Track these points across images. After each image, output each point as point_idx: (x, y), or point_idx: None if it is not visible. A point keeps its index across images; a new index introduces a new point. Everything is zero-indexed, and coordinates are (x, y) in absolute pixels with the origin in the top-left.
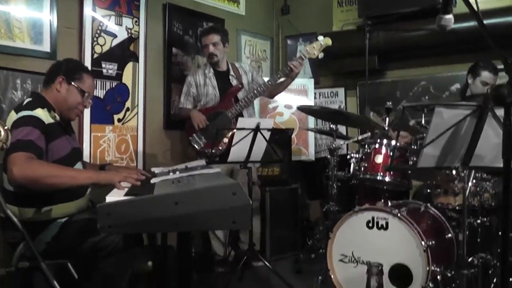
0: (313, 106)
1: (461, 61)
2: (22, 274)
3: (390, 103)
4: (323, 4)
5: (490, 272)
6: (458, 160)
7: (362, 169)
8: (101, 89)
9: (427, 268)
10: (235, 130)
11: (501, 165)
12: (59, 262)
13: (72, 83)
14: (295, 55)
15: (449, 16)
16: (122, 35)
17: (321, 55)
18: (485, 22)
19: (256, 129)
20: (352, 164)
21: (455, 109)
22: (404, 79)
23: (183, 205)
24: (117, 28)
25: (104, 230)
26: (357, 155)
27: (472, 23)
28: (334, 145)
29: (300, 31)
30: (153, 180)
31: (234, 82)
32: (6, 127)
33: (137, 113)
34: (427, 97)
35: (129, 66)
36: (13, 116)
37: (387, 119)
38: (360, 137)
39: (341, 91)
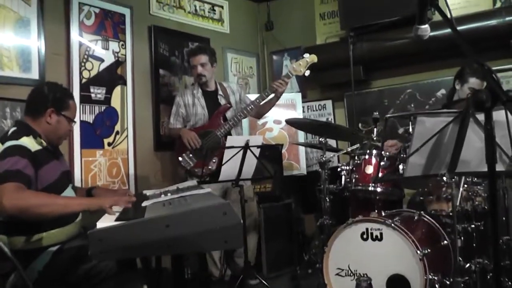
0: (300, 118)
1: (445, 66)
2: None
3: (377, 113)
4: (306, 18)
5: (488, 277)
6: (444, 167)
7: (353, 180)
8: (90, 113)
9: (425, 277)
10: (225, 149)
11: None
12: None
13: (62, 113)
14: (282, 70)
15: (425, 26)
16: (109, 59)
17: (307, 72)
18: (464, 27)
19: (246, 147)
20: (343, 176)
21: (437, 117)
22: (390, 88)
23: (174, 227)
24: (104, 52)
25: (95, 256)
26: (347, 167)
27: None
28: (324, 158)
29: (285, 46)
30: (144, 203)
31: (222, 101)
32: None
33: (127, 136)
34: (413, 105)
35: (117, 90)
36: None
37: (375, 129)
38: (349, 149)
39: (328, 103)
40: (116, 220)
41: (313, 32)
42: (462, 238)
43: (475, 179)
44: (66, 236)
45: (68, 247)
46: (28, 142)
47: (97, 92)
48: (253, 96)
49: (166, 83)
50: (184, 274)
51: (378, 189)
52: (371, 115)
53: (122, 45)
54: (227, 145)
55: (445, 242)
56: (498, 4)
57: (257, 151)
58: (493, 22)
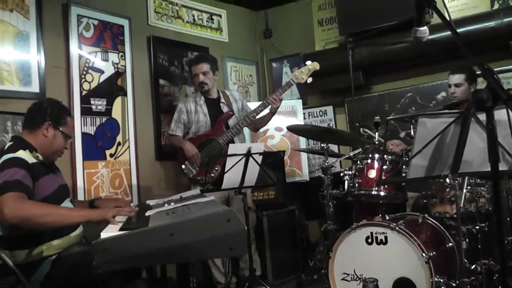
0: (302, 125)
1: (445, 69)
2: None
3: (378, 117)
4: (304, 25)
5: (494, 278)
6: (447, 168)
7: (357, 185)
8: (91, 125)
9: (431, 280)
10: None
11: (489, 169)
12: None
13: (59, 128)
14: (281, 77)
15: (424, 28)
16: (109, 70)
17: (309, 80)
18: (463, 29)
19: (248, 154)
20: (346, 181)
21: (439, 117)
22: (391, 92)
23: (178, 236)
24: (104, 64)
25: (100, 267)
26: (350, 172)
27: (450, 32)
28: (326, 164)
29: (283, 53)
30: (147, 213)
31: (225, 109)
32: None
33: (128, 146)
34: (414, 108)
35: (118, 101)
36: None
37: (377, 133)
38: (351, 153)
39: (329, 109)
40: (120, 229)
41: (311, 39)
42: (467, 239)
43: (478, 180)
44: (67, 245)
45: (67, 254)
46: (24, 155)
47: (98, 104)
48: (254, 105)
49: (166, 93)
50: (189, 283)
51: (382, 193)
52: (372, 120)
53: (122, 56)
54: (229, 153)
55: (450, 244)
56: (496, 6)
57: (259, 158)
58: (491, 23)
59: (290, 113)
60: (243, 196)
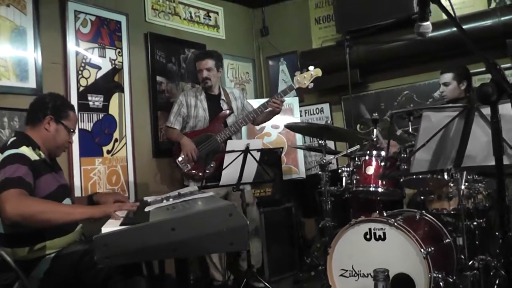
0: (300, 122)
1: (441, 67)
2: None
3: (376, 114)
4: (301, 23)
5: (491, 273)
6: (450, 162)
7: (355, 182)
8: (88, 121)
9: (429, 275)
10: (225, 154)
11: (493, 163)
12: None
13: (61, 122)
14: (278, 75)
15: (427, 23)
16: (106, 66)
17: (311, 85)
18: (453, 29)
19: (246, 151)
20: (344, 178)
21: (443, 111)
22: (387, 90)
23: (180, 230)
24: (101, 60)
25: (101, 261)
26: (348, 169)
27: (447, 30)
28: (324, 161)
29: (280, 51)
30: (147, 208)
31: (224, 106)
32: None
33: (125, 143)
34: (411, 105)
35: (115, 97)
36: None
37: (375, 130)
38: (349, 150)
39: (326, 106)
40: (121, 224)
41: (308, 37)
42: (465, 235)
43: (476, 176)
44: (67, 244)
45: (66, 252)
46: (27, 151)
47: (95, 100)
48: (253, 102)
49: (164, 90)
50: (188, 280)
51: (379, 189)
52: (369, 117)
53: (119, 52)
54: (227, 149)
55: (447, 240)
56: (493, 5)
57: (257, 155)
58: (488, 22)
59: (287, 110)
60: (241, 192)
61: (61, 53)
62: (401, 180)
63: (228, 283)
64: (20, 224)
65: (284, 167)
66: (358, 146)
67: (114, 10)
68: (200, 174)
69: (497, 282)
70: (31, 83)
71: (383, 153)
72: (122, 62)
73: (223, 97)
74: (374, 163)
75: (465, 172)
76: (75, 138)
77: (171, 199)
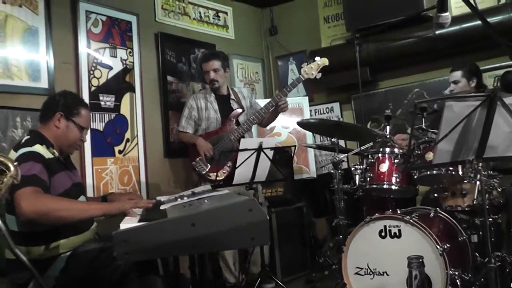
0: (311, 118)
1: (451, 65)
2: None
3: (389, 110)
4: (310, 22)
5: (507, 270)
6: (472, 152)
7: (368, 179)
8: (100, 121)
9: (446, 272)
10: (238, 152)
11: None
12: None
13: (72, 119)
14: (287, 75)
15: (446, 14)
16: (117, 66)
17: (319, 75)
18: (470, 24)
19: (259, 149)
20: (357, 176)
21: (465, 101)
22: (398, 88)
23: (200, 226)
24: (112, 60)
25: (121, 257)
26: (361, 166)
27: (457, 27)
28: (337, 158)
29: (289, 51)
30: (163, 206)
31: (235, 106)
32: (15, 163)
33: (137, 143)
34: None
35: (126, 97)
36: (12, 155)
37: (388, 127)
38: (362, 148)
39: (336, 105)
40: (139, 221)
41: (317, 36)
42: (480, 232)
43: (491, 172)
44: (82, 242)
45: (82, 250)
46: (41, 149)
47: (107, 100)
48: (262, 102)
49: (174, 89)
50: (206, 278)
51: (393, 187)
52: (380, 116)
53: (130, 52)
54: (240, 147)
55: (463, 238)
56: (503, 0)
57: (270, 154)
58: (498, 18)
59: (297, 110)
60: (254, 191)
61: (72, 53)
62: (415, 177)
63: (241, 284)
64: (35, 222)
65: (295, 167)
66: (371, 143)
67: (124, 10)
68: (219, 175)
69: None
70: (43, 83)
71: (396, 150)
72: (133, 62)
73: (232, 97)
74: (387, 160)
75: (481, 168)
76: (87, 138)
77: (185, 198)
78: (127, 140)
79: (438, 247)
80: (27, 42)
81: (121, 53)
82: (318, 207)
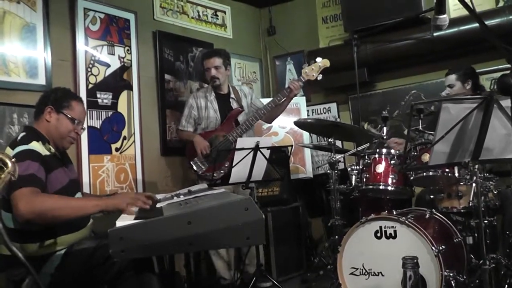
0: (308, 118)
1: (449, 67)
2: None
3: (386, 112)
4: (308, 23)
5: (502, 273)
6: (468, 154)
7: (364, 180)
8: (97, 119)
9: (440, 273)
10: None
11: (511, 156)
12: None
13: (62, 111)
14: (285, 75)
15: (444, 16)
16: (115, 64)
17: (319, 77)
18: (468, 27)
19: (256, 148)
20: (353, 177)
21: (462, 103)
22: (395, 89)
23: (196, 224)
24: (110, 58)
25: (116, 255)
26: (357, 167)
27: (455, 29)
28: (333, 159)
29: (287, 51)
30: (159, 204)
31: (234, 105)
32: (13, 159)
33: (134, 141)
34: None
35: (124, 95)
36: (9, 152)
37: (384, 128)
38: (359, 148)
39: (333, 106)
40: (135, 219)
41: (315, 36)
42: (476, 234)
43: (487, 174)
44: (78, 240)
45: (78, 247)
46: (38, 146)
47: (104, 97)
48: (263, 100)
49: (172, 88)
50: (200, 277)
51: (389, 188)
52: (377, 117)
53: (128, 50)
54: (237, 146)
55: (458, 239)
56: (501, 3)
57: (267, 153)
58: (496, 21)
59: (294, 110)
60: (251, 191)
61: (70, 50)
62: (411, 178)
63: (236, 283)
64: (33, 222)
65: (291, 167)
66: (367, 144)
67: (123, 8)
68: (215, 175)
69: (508, 281)
70: (41, 80)
71: (392, 151)
72: (130, 60)
73: (232, 95)
74: (383, 161)
75: (477, 170)
76: (84, 134)
77: (181, 196)
78: (124, 138)
79: (433, 248)
80: (25, 39)
81: (119, 51)
82: (314, 207)
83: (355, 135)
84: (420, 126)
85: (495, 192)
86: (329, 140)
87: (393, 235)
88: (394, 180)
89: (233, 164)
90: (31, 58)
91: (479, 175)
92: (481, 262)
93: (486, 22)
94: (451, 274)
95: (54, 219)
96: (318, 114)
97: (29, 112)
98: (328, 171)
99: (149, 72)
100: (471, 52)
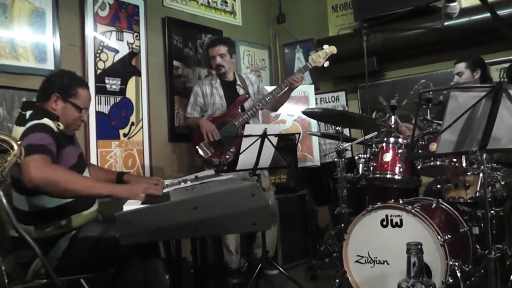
0: (316, 108)
1: (459, 57)
2: None
3: (395, 100)
4: (318, 11)
5: (508, 263)
6: (476, 143)
7: (371, 168)
8: (105, 104)
9: (446, 262)
10: (242, 138)
11: None
12: (73, 278)
13: (69, 100)
14: (294, 63)
15: (454, 4)
16: (123, 50)
17: (326, 64)
18: (480, 16)
19: (264, 135)
20: (360, 165)
21: (470, 91)
22: (404, 79)
23: (202, 209)
24: (119, 44)
25: (123, 239)
26: (364, 156)
27: (465, 19)
28: (341, 147)
29: (297, 39)
30: (165, 190)
31: (241, 91)
32: (19, 142)
33: (142, 127)
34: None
35: (132, 81)
36: (18, 130)
37: (393, 117)
38: (367, 137)
39: (342, 95)
40: (142, 203)
41: (325, 24)
42: (482, 224)
43: (495, 165)
44: (85, 220)
45: (85, 231)
46: (50, 122)
47: (112, 83)
48: (270, 88)
49: (180, 74)
50: (207, 263)
51: (396, 177)
52: (387, 105)
53: (136, 36)
54: (245, 133)
55: (464, 229)
56: None
57: (274, 140)
58: (508, 11)
59: (302, 98)
60: (258, 178)
61: (79, 36)
62: (418, 167)
63: (242, 269)
64: (41, 189)
65: (299, 155)
66: (375, 133)
67: None
68: (221, 160)
69: None
70: (50, 65)
71: (400, 140)
72: (139, 46)
73: (238, 82)
74: (391, 150)
75: (484, 160)
76: (92, 120)
77: (188, 182)
78: (132, 124)
79: (439, 237)
80: (34, 24)
81: (128, 37)
82: (321, 195)
83: (363, 123)
84: (429, 115)
85: (503, 183)
86: (337, 128)
87: (399, 223)
88: (401, 169)
89: (241, 151)
90: (40, 43)
91: (487, 165)
92: (486, 252)
93: (499, 12)
94: (456, 264)
95: (63, 191)
96: (327, 102)
97: None
98: (336, 159)
99: (157, 58)
100: (481, 42)
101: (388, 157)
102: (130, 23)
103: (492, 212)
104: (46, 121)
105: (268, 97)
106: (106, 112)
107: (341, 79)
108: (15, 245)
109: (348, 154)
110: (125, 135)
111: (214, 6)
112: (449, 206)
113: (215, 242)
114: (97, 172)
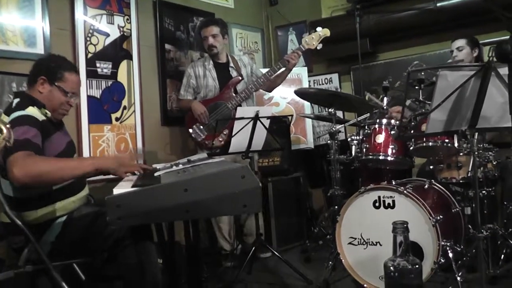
0: (309, 88)
1: (451, 37)
2: (28, 277)
3: (387, 82)
4: None
5: (499, 243)
6: (465, 123)
7: (364, 150)
8: (97, 88)
9: (437, 242)
10: (235, 121)
11: (508, 124)
12: (65, 263)
13: (55, 83)
14: (287, 45)
15: None
16: (114, 33)
17: (319, 46)
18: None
19: (256, 118)
20: (353, 147)
21: (460, 71)
22: (397, 60)
23: (192, 191)
24: (109, 27)
25: (114, 222)
26: (357, 137)
27: (459, 0)
28: (334, 129)
29: (289, 21)
30: (157, 173)
31: (234, 73)
32: (8, 125)
33: (134, 111)
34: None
35: (124, 64)
36: (5, 119)
37: (385, 98)
38: (359, 118)
39: (335, 76)
40: (133, 186)
41: (318, 6)
42: (473, 204)
43: (487, 145)
44: (76, 204)
45: (78, 215)
46: (34, 112)
47: (103, 67)
48: (263, 70)
49: (172, 58)
50: (199, 246)
51: (389, 158)
52: (379, 87)
53: (127, 19)
54: (237, 116)
55: (456, 209)
56: None
57: (266, 123)
58: None
59: (295, 80)
60: (250, 160)
61: (69, 20)
62: (411, 148)
63: (236, 252)
64: (29, 186)
65: (292, 137)
66: (368, 114)
67: None
68: (214, 142)
69: (504, 251)
70: (39, 49)
71: (393, 121)
72: (130, 30)
73: (231, 64)
74: (383, 131)
75: (476, 140)
76: (84, 104)
77: (180, 165)
78: (124, 108)
79: (431, 218)
80: (23, 8)
81: (119, 20)
82: (315, 177)
83: (355, 105)
84: (421, 96)
85: (495, 163)
86: (330, 110)
87: (391, 205)
88: (393, 151)
89: (233, 134)
90: (29, 27)
91: (479, 145)
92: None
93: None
94: (448, 244)
95: (49, 182)
96: (320, 84)
97: None
98: (329, 141)
99: (149, 41)
100: (474, 23)
101: (380, 138)
102: (121, 6)
103: (484, 192)
104: (29, 110)
105: (262, 79)
106: (98, 96)
107: (334, 61)
108: (6, 230)
109: (342, 136)
110: (117, 119)
111: None
112: (441, 187)
113: (209, 226)
114: None
